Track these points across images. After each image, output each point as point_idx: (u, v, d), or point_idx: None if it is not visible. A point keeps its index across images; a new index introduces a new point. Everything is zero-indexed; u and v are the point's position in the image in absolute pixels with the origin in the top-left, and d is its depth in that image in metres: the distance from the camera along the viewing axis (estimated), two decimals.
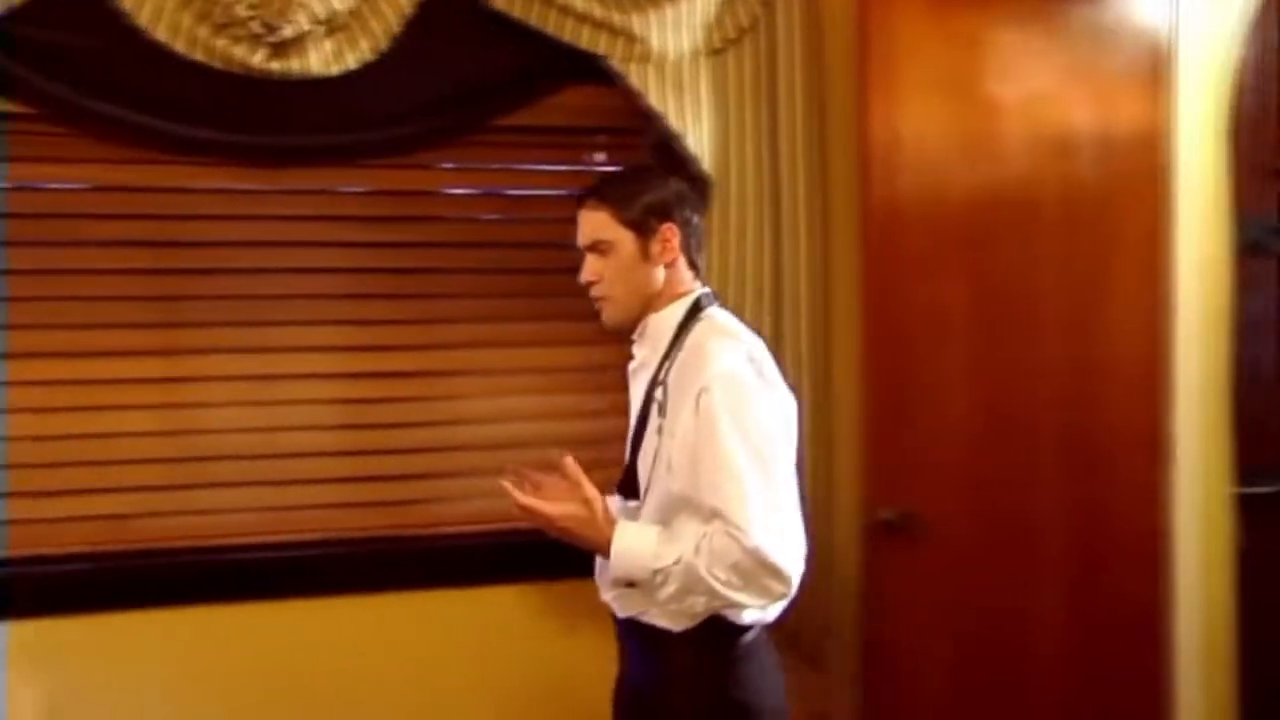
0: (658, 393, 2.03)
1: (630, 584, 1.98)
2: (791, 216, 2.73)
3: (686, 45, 2.65)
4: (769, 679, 2.09)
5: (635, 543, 1.94)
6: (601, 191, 2.09)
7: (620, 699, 2.20)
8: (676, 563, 1.90)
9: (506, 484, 2.01)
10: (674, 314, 2.08)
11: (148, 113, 2.49)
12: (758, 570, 1.87)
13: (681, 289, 2.11)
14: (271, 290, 2.67)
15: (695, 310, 2.09)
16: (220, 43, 2.44)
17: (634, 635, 2.09)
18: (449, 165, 2.77)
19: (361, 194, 2.72)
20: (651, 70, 2.64)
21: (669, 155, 2.67)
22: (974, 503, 2.76)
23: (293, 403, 2.69)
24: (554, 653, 2.75)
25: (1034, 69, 2.75)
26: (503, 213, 2.82)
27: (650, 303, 2.09)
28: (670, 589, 1.91)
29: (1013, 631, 2.81)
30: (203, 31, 2.43)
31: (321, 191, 2.68)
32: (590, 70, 2.65)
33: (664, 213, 2.08)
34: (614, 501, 2.11)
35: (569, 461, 2.00)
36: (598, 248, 2.08)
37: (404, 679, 2.70)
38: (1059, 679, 2.82)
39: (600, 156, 2.83)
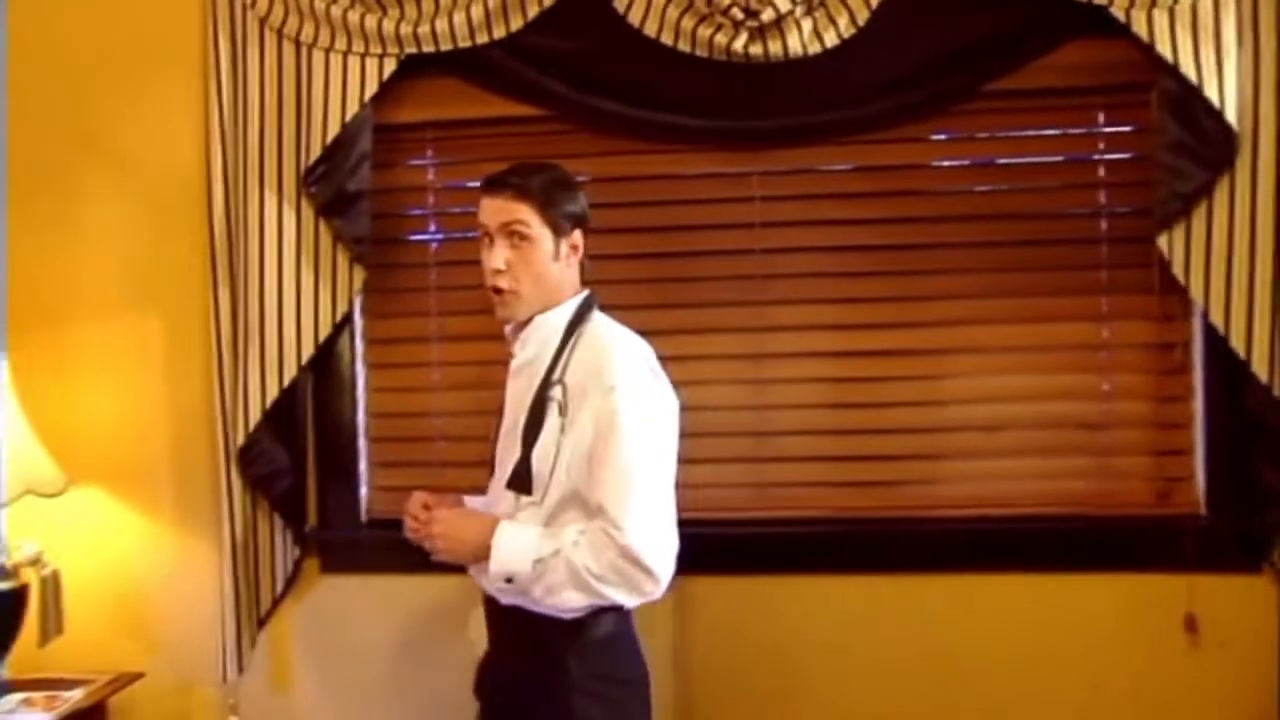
0: (555, 391, 2.06)
1: (509, 580, 2.00)
2: None
3: None
4: (638, 649, 2.15)
5: (515, 537, 2.00)
6: (528, 187, 2.10)
7: (494, 684, 2.20)
8: (555, 554, 1.95)
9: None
10: (564, 314, 2.14)
11: (640, 105, 2.62)
12: (630, 569, 1.94)
13: (572, 291, 2.17)
14: (761, 270, 2.70)
15: (583, 312, 2.15)
16: (704, 32, 2.52)
17: (513, 621, 2.08)
18: (939, 137, 2.64)
19: (847, 171, 2.67)
20: (1160, 14, 2.40)
21: (1183, 111, 2.39)
22: None
23: (784, 381, 2.73)
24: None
25: None
26: (995, 183, 2.65)
27: (547, 302, 2.14)
28: (547, 581, 1.96)
29: None
30: (687, 23, 2.52)
31: (807, 171, 2.68)
32: (1088, 22, 2.45)
33: (578, 220, 2.16)
34: (477, 501, 2.28)
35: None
36: (513, 238, 2.10)
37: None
38: None
39: (1100, 118, 2.59)
